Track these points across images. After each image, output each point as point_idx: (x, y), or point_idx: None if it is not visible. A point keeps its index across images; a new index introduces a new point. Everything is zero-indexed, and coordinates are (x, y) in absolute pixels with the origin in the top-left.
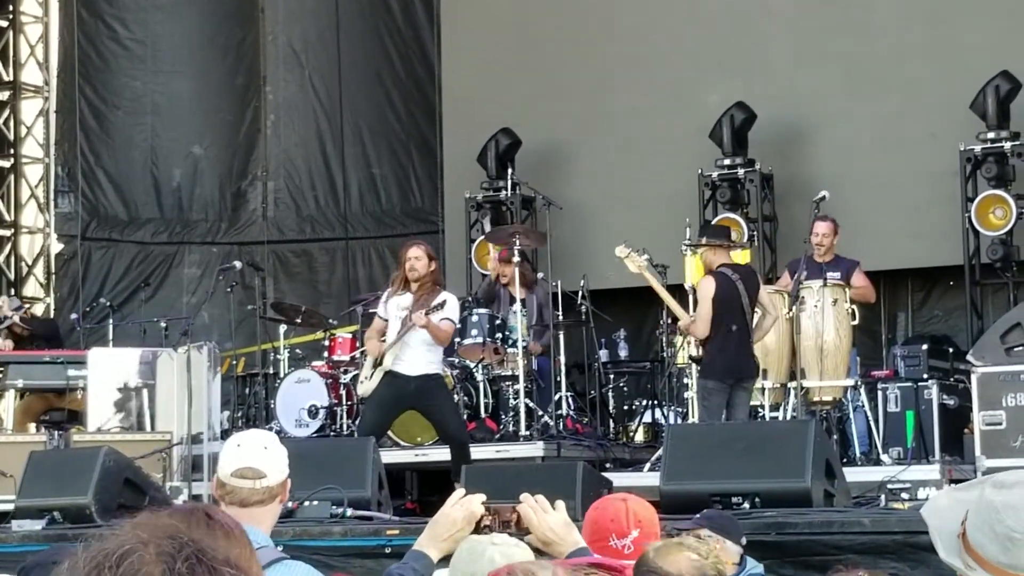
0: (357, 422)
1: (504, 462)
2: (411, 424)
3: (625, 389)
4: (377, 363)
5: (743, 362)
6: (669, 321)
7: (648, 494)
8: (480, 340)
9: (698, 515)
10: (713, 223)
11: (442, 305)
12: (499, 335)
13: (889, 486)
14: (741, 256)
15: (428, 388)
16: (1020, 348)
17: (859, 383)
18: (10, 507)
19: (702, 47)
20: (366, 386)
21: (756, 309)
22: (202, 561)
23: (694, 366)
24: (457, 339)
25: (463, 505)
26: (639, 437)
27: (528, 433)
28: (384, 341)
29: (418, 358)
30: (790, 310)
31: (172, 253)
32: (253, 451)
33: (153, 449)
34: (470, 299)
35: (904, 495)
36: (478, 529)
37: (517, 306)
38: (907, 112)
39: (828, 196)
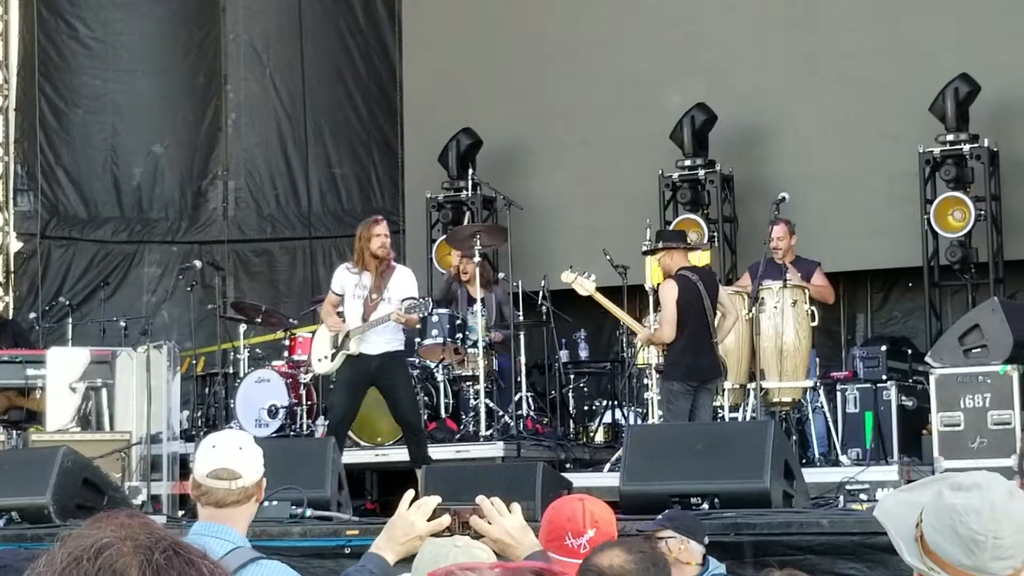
0: (326, 408)
1: (464, 462)
2: (371, 423)
3: (585, 389)
4: (338, 343)
5: (707, 363)
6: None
7: (608, 495)
8: (440, 340)
9: (660, 515)
10: (671, 226)
11: (415, 301)
12: (459, 335)
13: (848, 487)
14: (701, 257)
15: (389, 366)
16: (978, 350)
17: (818, 384)
18: None
19: (664, 48)
20: (326, 366)
21: (717, 310)
22: (179, 553)
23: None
24: (417, 339)
25: (419, 507)
26: (599, 437)
27: (488, 433)
28: (341, 314)
29: (380, 338)
30: (749, 311)
31: (132, 252)
32: (228, 452)
33: (112, 449)
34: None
35: (863, 496)
36: (442, 533)
37: (477, 306)
38: (867, 114)
39: (788, 197)
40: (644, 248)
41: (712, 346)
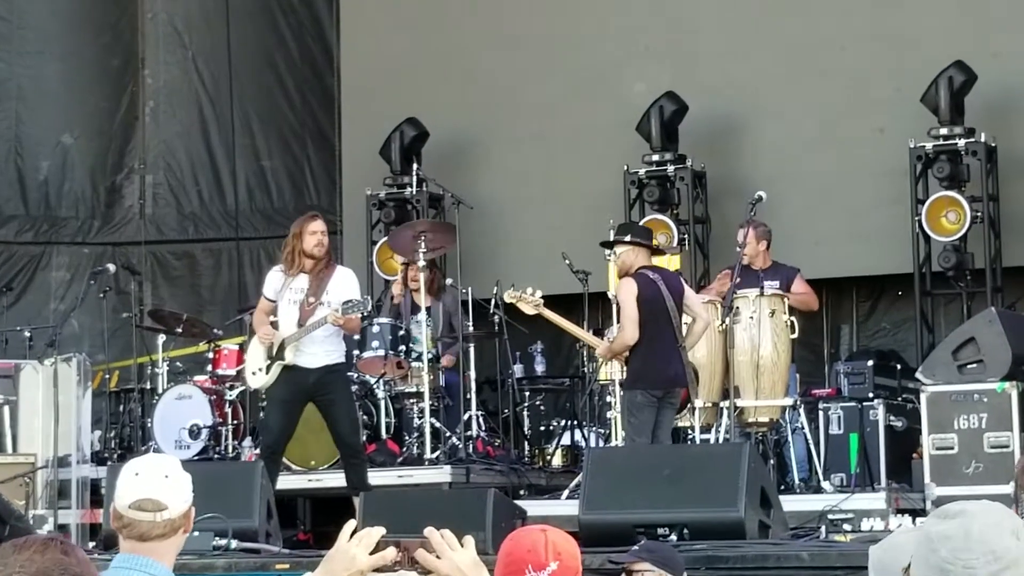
0: (258, 425)
1: (407, 488)
2: (304, 444)
3: (542, 408)
4: (272, 354)
5: (673, 371)
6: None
7: (566, 524)
8: (381, 353)
9: (636, 546)
10: (640, 223)
11: (352, 301)
12: (403, 347)
13: (830, 516)
14: (670, 262)
15: (328, 380)
16: (974, 365)
17: (798, 402)
18: None
19: (627, 30)
20: (260, 379)
21: (684, 314)
22: None
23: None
24: (356, 352)
25: (361, 539)
26: (556, 461)
27: (434, 456)
28: (274, 323)
29: (319, 349)
30: (723, 322)
31: (38, 254)
32: (152, 480)
33: (14, 473)
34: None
35: (846, 526)
36: (387, 568)
37: (422, 315)
38: (852, 105)
39: (765, 197)
40: (608, 240)
41: (679, 352)
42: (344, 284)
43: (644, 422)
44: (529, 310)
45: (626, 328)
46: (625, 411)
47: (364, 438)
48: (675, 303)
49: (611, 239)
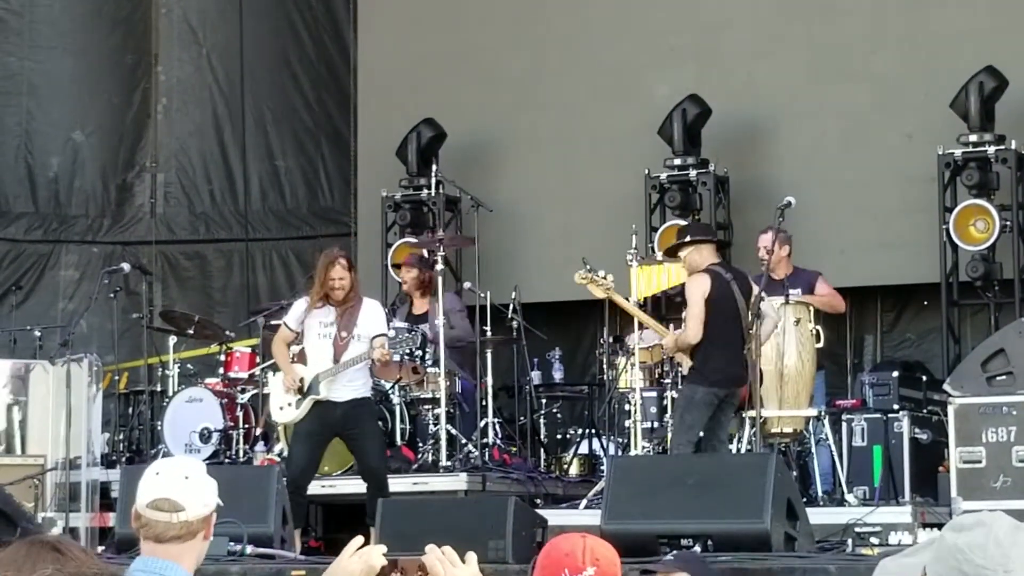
0: (285, 458)
1: (423, 496)
2: None
3: (559, 416)
4: (303, 388)
5: (740, 372)
6: (611, 340)
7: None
8: (397, 358)
9: (670, 555)
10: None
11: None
12: (419, 352)
13: (856, 529)
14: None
15: (355, 414)
16: (1003, 377)
17: (823, 413)
18: None
19: (650, 31)
20: (290, 414)
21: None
22: None
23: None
24: None
25: (362, 556)
26: (574, 470)
27: (450, 464)
28: (296, 352)
29: (349, 383)
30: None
31: (47, 253)
32: (172, 481)
33: (24, 475)
34: (387, 311)
35: (873, 540)
36: None
37: (440, 319)
38: (879, 110)
39: (794, 203)
40: (670, 247)
41: (743, 354)
42: (373, 317)
43: (695, 421)
44: (599, 293)
45: (691, 326)
46: (680, 406)
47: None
48: (745, 303)
49: (676, 243)
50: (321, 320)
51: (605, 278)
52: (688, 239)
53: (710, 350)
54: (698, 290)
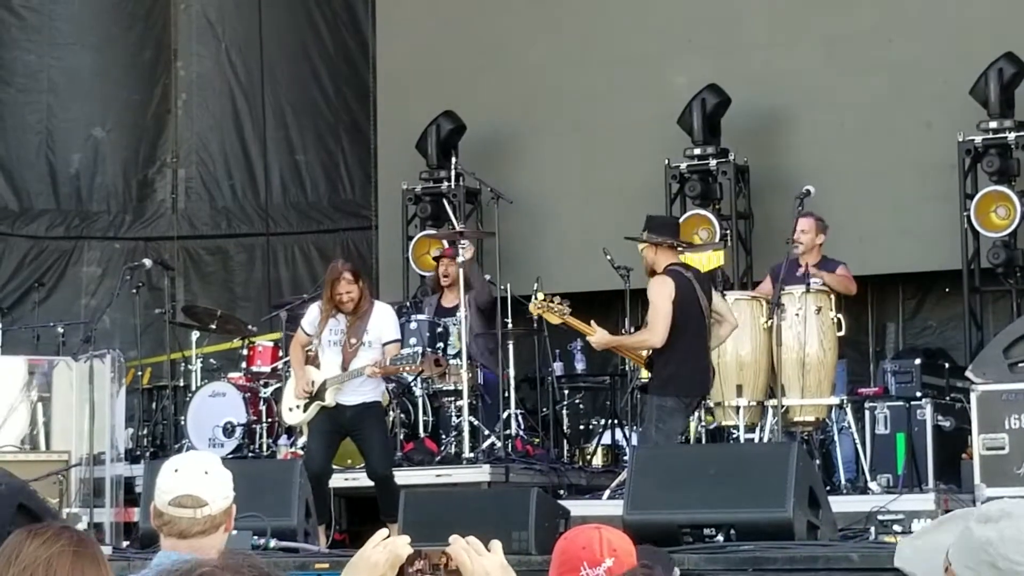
0: (303, 455)
1: (446, 487)
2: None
3: (582, 407)
4: (312, 394)
5: (707, 377)
6: (632, 330)
7: (610, 525)
8: (419, 349)
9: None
10: (658, 216)
11: (403, 357)
12: (440, 344)
13: (880, 517)
14: (712, 259)
15: (361, 418)
16: None
17: (845, 402)
18: None
19: (670, 21)
20: (298, 416)
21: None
22: None
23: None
24: None
25: (386, 547)
26: (597, 461)
27: (472, 455)
28: (311, 356)
29: (358, 388)
30: (769, 319)
31: (69, 249)
32: (192, 477)
33: (48, 471)
34: (408, 305)
35: (896, 528)
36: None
37: (461, 311)
38: (898, 98)
39: (814, 191)
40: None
41: (709, 358)
42: (383, 322)
43: (673, 430)
44: (554, 320)
45: (657, 328)
46: (653, 417)
47: (402, 436)
48: (707, 305)
49: (633, 237)
50: (332, 327)
51: (561, 304)
52: (644, 236)
53: (682, 355)
54: (664, 292)
